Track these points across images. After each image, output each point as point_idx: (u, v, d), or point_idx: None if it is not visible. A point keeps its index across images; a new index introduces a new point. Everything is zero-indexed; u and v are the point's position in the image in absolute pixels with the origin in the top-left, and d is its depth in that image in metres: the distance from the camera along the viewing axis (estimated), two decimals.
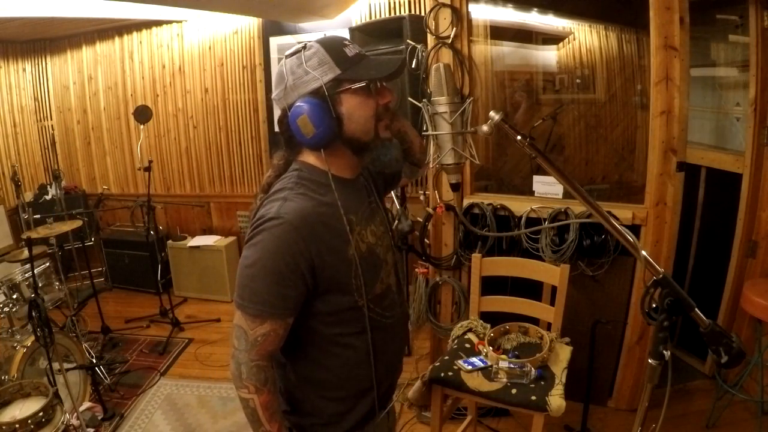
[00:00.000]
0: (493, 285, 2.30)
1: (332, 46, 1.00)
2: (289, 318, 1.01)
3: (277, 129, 1.08)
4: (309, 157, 1.07)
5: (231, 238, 4.19)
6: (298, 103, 0.99)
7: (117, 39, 4.38)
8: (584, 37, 3.22)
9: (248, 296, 0.98)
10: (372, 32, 3.40)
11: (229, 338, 1.03)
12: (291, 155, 1.09)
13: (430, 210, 2.68)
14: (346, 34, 3.63)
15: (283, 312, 0.99)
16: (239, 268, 1.01)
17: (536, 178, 2.48)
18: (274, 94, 1.06)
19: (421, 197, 3.51)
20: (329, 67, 0.98)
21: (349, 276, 1.03)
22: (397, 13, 3.66)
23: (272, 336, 0.99)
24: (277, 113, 1.09)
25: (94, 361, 2.98)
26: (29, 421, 1.93)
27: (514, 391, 1.80)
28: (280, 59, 1.15)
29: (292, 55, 1.02)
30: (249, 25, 4.02)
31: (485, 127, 1.07)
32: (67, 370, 2.41)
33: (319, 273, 1.00)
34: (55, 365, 2.28)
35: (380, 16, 3.70)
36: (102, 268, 4.48)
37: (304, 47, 1.00)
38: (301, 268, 0.97)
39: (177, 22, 4.17)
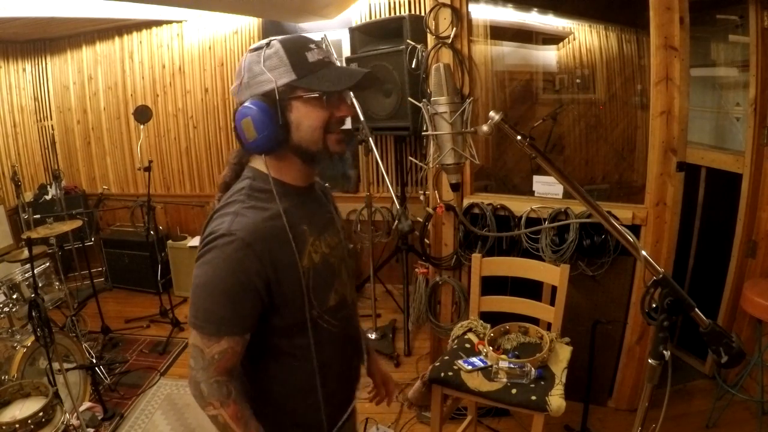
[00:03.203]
0: (493, 285, 2.30)
1: (294, 49, 0.95)
2: (246, 334, 0.98)
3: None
4: (258, 162, 1.02)
5: None
6: (247, 104, 0.95)
7: (117, 39, 4.38)
8: (584, 37, 3.22)
9: (203, 316, 0.94)
10: (372, 32, 3.40)
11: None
12: (245, 156, 1.06)
13: (430, 210, 2.68)
14: (346, 35, 3.63)
15: (241, 329, 0.96)
16: (192, 286, 0.96)
17: (536, 178, 2.49)
18: (232, 88, 1.02)
19: (421, 197, 3.51)
20: (285, 71, 0.94)
21: (302, 287, 1.00)
22: (397, 13, 3.66)
23: (230, 353, 0.96)
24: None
25: (94, 361, 2.99)
26: (29, 421, 1.93)
27: (514, 391, 1.80)
28: None
29: (254, 50, 0.97)
30: (249, 25, 4.02)
31: (485, 127, 1.07)
32: (67, 370, 2.41)
33: (274, 288, 0.97)
34: (55, 365, 2.28)
35: (380, 16, 3.70)
36: (102, 268, 4.48)
37: (268, 44, 0.96)
38: (256, 285, 0.94)
39: (177, 22, 4.17)
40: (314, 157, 0.99)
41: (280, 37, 0.97)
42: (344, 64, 3.32)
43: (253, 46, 0.98)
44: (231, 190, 1.02)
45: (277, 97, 0.93)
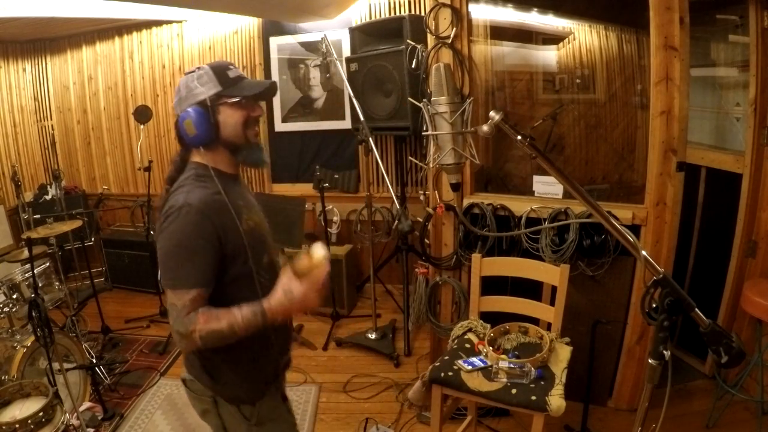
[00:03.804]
0: (493, 285, 2.30)
1: (218, 69, 1.26)
2: (209, 286, 1.19)
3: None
4: (197, 157, 1.30)
5: None
6: (187, 110, 1.24)
7: (117, 39, 4.38)
8: (584, 37, 3.22)
9: (175, 275, 1.17)
10: (372, 32, 3.41)
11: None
12: (186, 154, 1.33)
13: (430, 210, 2.68)
14: (346, 35, 3.63)
15: (206, 280, 1.18)
16: (160, 255, 1.19)
17: (536, 178, 2.49)
18: (173, 103, 1.31)
19: (421, 197, 3.51)
20: (213, 85, 1.24)
21: (243, 244, 1.25)
22: (397, 13, 3.66)
23: (198, 299, 1.17)
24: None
25: (94, 361, 2.98)
26: (29, 421, 1.93)
27: (514, 391, 1.80)
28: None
29: (189, 73, 1.27)
30: (249, 25, 4.02)
31: (485, 127, 1.07)
32: (67, 370, 2.41)
33: (224, 244, 1.21)
34: (55, 365, 2.28)
35: (380, 16, 3.70)
36: (102, 268, 4.47)
37: (198, 68, 1.27)
38: (212, 242, 1.19)
39: (177, 22, 4.17)
40: (238, 148, 1.30)
41: (207, 63, 1.29)
42: (344, 64, 3.33)
43: (187, 71, 1.29)
44: (178, 181, 1.27)
45: (209, 103, 1.24)
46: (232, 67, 1.29)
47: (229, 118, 1.26)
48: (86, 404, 2.64)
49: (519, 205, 2.43)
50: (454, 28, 2.40)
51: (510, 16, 3.15)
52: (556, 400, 1.72)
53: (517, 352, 2.02)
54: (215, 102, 1.24)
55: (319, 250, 1.22)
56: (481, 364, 1.94)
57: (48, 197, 4.36)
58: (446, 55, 2.45)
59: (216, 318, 1.16)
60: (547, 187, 2.44)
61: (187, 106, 1.25)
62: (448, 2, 2.39)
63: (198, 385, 1.35)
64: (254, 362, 1.34)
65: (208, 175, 1.26)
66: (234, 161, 1.33)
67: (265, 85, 1.30)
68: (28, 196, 4.34)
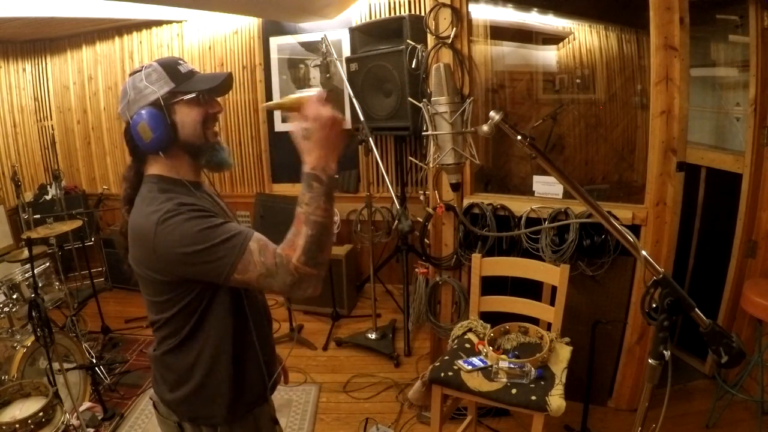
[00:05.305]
0: (493, 285, 2.31)
1: (168, 65, 1.14)
2: (253, 231, 1.06)
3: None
4: (154, 168, 1.16)
5: None
6: (138, 113, 1.10)
7: (117, 39, 4.38)
8: (584, 37, 3.22)
9: (224, 257, 1.01)
10: (372, 32, 3.41)
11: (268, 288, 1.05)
12: (140, 166, 1.19)
13: (430, 210, 2.68)
14: (346, 35, 3.63)
15: (246, 228, 1.06)
16: (191, 257, 1.02)
17: (536, 178, 2.49)
18: (119, 109, 1.17)
19: (421, 197, 3.51)
20: (165, 82, 1.11)
21: None
22: (397, 13, 3.66)
23: (263, 242, 1.04)
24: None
25: (94, 361, 2.98)
26: (29, 421, 1.93)
27: (514, 391, 1.80)
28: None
29: (134, 73, 1.14)
30: (249, 25, 4.02)
31: (485, 127, 1.07)
32: (67, 370, 2.41)
33: None
34: (55, 365, 2.28)
35: (380, 16, 3.70)
36: (102, 268, 4.48)
37: (145, 67, 1.14)
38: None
39: (177, 22, 4.17)
40: (199, 149, 1.17)
41: (153, 60, 1.16)
42: (344, 64, 3.33)
43: (132, 70, 1.15)
44: (138, 199, 1.13)
45: (163, 103, 1.10)
46: (182, 61, 1.17)
47: (187, 117, 1.13)
48: (86, 404, 2.64)
49: (519, 205, 2.43)
50: (454, 28, 2.40)
51: (510, 16, 3.15)
52: (556, 400, 1.72)
53: (517, 352, 2.02)
54: (169, 101, 1.11)
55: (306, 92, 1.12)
56: (481, 364, 1.94)
57: (48, 197, 4.36)
58: (446, 55, 2.45)
59: (292, 234, 1.03)
60: (547, 187, 2.44)
61: (138, 109, 1.10)
62: (448, 2, 2.39)
63: (163, 406, 1.24)
64: (237, 369, 1.20)
65: (174, 188, 1.13)
66: (196, 166, 1.20)
67: (221, 78, 1.15)
68: (28, 196, 4.34)
